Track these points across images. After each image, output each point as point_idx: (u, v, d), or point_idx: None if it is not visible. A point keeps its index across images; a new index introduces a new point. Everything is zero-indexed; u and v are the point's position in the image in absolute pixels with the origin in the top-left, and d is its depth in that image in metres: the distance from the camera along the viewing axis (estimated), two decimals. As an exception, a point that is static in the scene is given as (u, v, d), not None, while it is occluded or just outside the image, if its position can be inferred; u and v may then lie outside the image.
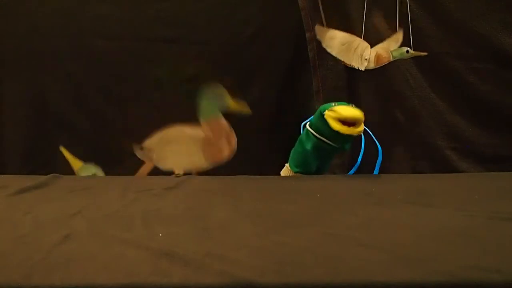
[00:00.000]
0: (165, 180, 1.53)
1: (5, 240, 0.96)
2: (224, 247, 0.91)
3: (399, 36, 1.79)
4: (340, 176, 1.81)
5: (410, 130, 1.90)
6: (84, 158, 1.91)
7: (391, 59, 1.78)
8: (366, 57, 1.79)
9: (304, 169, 1.65)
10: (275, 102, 1.95)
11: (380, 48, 1.80)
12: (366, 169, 1.78)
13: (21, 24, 1.86)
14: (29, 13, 1.86)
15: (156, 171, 1.78)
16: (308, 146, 1.60)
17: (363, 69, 1.82)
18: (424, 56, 1.78)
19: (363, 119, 1.52)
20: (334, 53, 1.84)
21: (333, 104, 1.54)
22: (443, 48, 1.81)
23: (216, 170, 1.76)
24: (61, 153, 1.87)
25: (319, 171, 1.67)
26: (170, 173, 1.64)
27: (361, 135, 1.68)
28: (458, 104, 1.86)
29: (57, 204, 1.24)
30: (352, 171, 1.79)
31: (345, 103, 1.57)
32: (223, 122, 1.55)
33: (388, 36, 1.81)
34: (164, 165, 1.59)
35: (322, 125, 1.54)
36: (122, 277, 0.80)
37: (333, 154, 1.68)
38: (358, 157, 1.76)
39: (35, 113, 1.92)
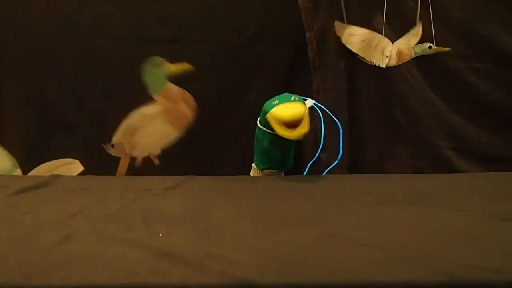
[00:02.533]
0: (165, 180, 1.53)
1: (5, 240, 0.96)
2: (224, 247, 0.91)
3: (419, 30, 1.78)
4: (340, 176, 1.80)
5: (410, 130, 1.90)
6: (84, 157, 1.91)
7: (413, 55, 1.78)
8: (387, 54, 1.79)
9: (270, 164, 1.65)
10: (275, 102, 1.95)
11: (401, 44, 1.80)
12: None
13: (21, 24, 1.86)
14: (29, 13, 1.86)
15: (157, 171, 1.78)
16: (265, 143, 1.60)
17: (384, 66, 1.82)
18: (424, 56, 1.78)
19: (304, 116, 1.48)
20: (354, 50, 1.84)
21: (275, 102, 1.52)
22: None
23: (216, 170, 1.76)
24: (61, 153, 1.87)
25: (284, 163, 1.66)
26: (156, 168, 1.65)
27: (320, 119, 1.66)
28: (458, 104, 1.86)
29: (57, 204, 1.24)
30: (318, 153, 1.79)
31: (288, 95, 1.55)
32: (174, 87, 1.57)
33: (407, 31, 1.81)
34: (139, 153, 1.61)
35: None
36: (122, 277, 0.80)
37: (292, 143, 1.65)
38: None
39: (35, 113, 1.92)
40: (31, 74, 1.89)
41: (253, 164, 1.70)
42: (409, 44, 1.79)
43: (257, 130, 1.64)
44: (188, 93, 1.58)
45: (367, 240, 0.95)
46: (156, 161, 1.69)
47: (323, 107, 1.66)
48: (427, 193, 1.36)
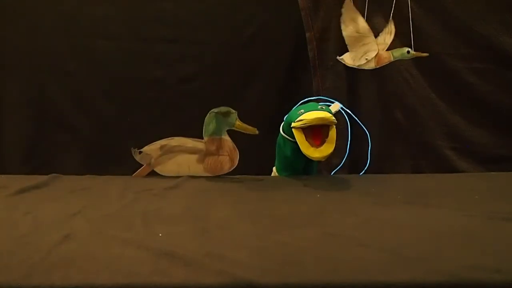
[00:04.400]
0: (165, 180, 1.53)
1: (5, 240, 0.96)
2: (224, 247, 0.91)
3: (391, 28, 1.76)
4: (340, 176, 1.80)
5: (410, 130, 1.90)
6: (84, 157, 1.91)
7: (392, 59, 1.77)
8: (367, 57, 1.78)
9: (292, 172, 1.64)
10: (275, 102, 1.95)
11: (378, 45, 1.79)
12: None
13: (21, 24, 1.86)
14: (29, 13, 1.86)
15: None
16: (288, 151, 1.58)
17: (355, 66, 1.78)
18: (424, 56, 1.78)
19: (330, 129, 1.41)
20: (344, 34, 1.79)
21: (301, 111, 1.45)
22: (443, 48, 1.81)
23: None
24: (61, 153, 1.87)
25: (307, 170, 1.64)
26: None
27: (347, 126, 1.64)
28: (458, 104, 1.86)
29: (57, 204, 1.24)
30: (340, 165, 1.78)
31: (315, 104, 1.50)
32: (228, 140, 1.56)
33: (381, 30, 1.78)
34: (161, 171, 1.60)
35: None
36: (122, 277, 0.80)
37: None
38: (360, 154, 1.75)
39: (35, 113, 1.92)
40: (31, 74, 1.89)
41: (274, 168, 1.69)
42: (384, 42, 1.77)
43: (279, 136, 1.62)
44: (237, 151, 1.56)
45: (367, 240, 0.95)
46: None
47: (350, 112, 1.63)
48: (427, 193, 1.36)
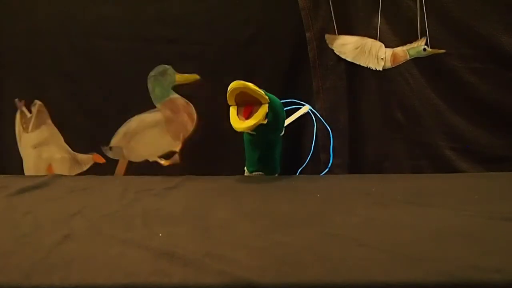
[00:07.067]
0: (165, 180, 1.53)
1: (5, 240, 0.96)
2: (224, 247, 0.91)
3: (420, 44, 1.78)
4: (340, 176, 1.81)
5: (410, 130, 1.90)
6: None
7: (408, 57, 1.78)
8: (382, 57, 1.79)
9: (251, 166, 1.66)
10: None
11: (397, 48, 1.81)
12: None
13: (21, 24, 1.86)
14: (29, 13, 1.86)
15: (156, 172, 1.78)
16: (246, 142, 1.63)
17: (381, 69, 1.83)
18: (424, 56, 1.78)
19: (252, 90, 1.45)
20: (349, 59, 1.85)
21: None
22: (443, 48, 1.81)
23: (216, 170, 1.76)
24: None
25: (265, 166, 1.65)
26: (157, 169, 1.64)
27: (313, 122, 1.65)
28: (458, 104, 1.86)
29: (57, 204, 1.24)
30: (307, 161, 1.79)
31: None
32: (177, 97, 1.55)
33: (409, 42, 1.81)
34: (136, 158, 1.60)
35: None
36: (122, 277, 0.80)
37: (270, 145, 1.64)
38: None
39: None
40: (31, 74, 1.89)
41: (245, 168, 1.71)
42: (405, 48, 1.79)
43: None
44: (191, 105, 1.56)
45: (367, 240, 0.95)
46: (163, 162, 1.69)
47: (316, 113, 1.65)
48: (427, 193, 1.36)
